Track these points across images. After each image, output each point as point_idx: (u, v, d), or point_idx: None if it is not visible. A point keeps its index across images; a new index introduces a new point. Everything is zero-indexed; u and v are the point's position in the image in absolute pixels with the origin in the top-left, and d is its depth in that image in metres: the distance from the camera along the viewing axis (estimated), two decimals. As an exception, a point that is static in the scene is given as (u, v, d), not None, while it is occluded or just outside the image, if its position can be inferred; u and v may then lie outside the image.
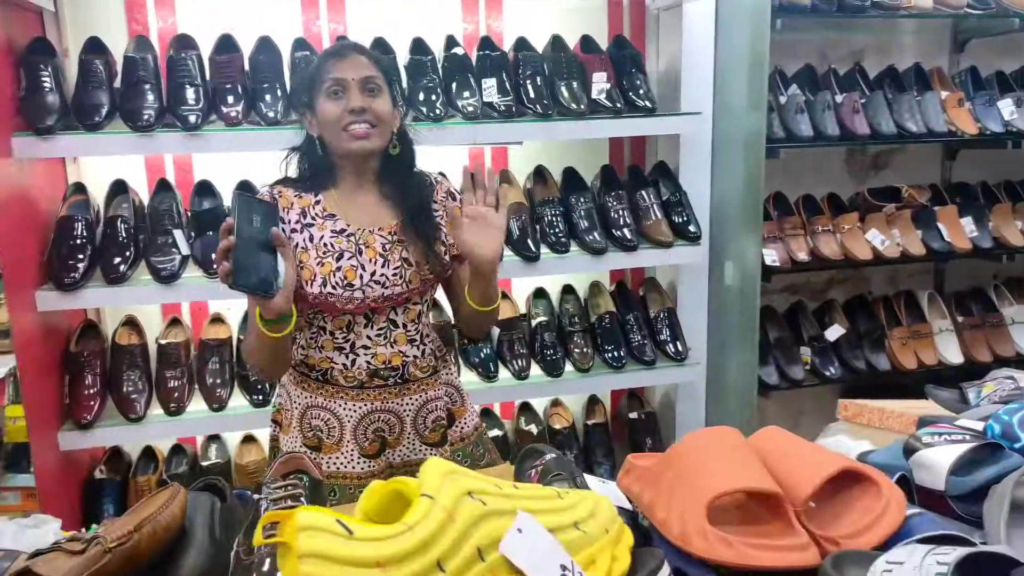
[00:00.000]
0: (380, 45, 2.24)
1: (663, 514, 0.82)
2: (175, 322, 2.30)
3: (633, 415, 2.66)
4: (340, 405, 1.49)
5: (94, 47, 2.08)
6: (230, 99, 2.08)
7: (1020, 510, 0.93)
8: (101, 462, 2.31)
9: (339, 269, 1.44)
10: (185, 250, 2.09)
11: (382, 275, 1.45)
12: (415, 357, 1.52)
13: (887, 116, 2.61)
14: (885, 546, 0.81)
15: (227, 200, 2.21)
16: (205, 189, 2.23)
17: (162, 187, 2.21)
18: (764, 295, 2.89)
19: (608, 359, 2.42)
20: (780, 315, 2.80)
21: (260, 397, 2.17)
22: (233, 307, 2.34)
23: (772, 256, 2.55)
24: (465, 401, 1.64)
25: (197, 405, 2.18)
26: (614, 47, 2.43)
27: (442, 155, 2.30)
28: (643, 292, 2.64)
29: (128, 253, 2.07)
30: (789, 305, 2.87)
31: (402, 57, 2.25)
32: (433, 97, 2.19)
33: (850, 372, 2.69)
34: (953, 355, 2.79)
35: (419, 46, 2.29)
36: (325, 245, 1.45)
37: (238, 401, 2.19)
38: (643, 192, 2.42)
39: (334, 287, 1.43)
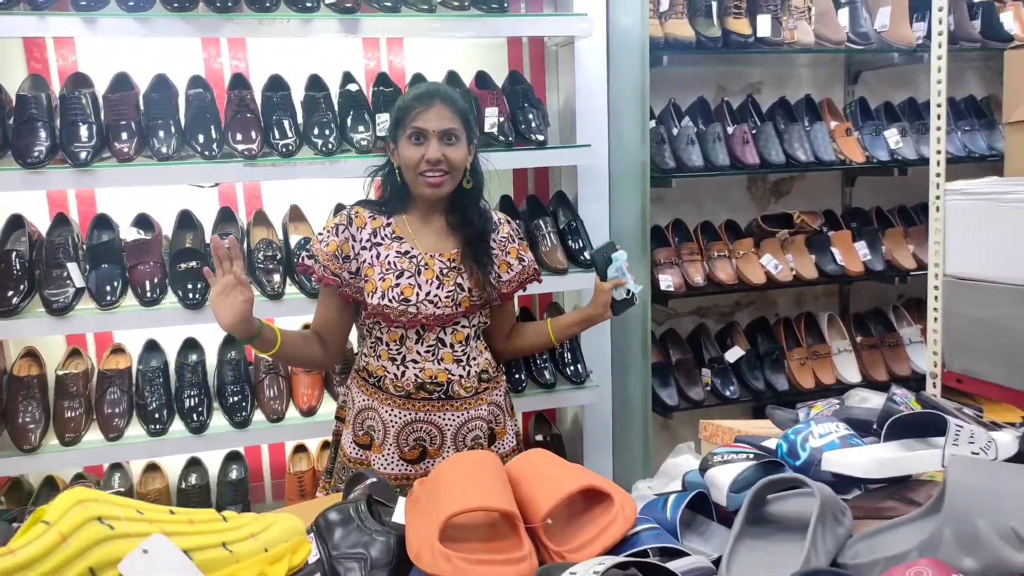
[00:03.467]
0: (275, 83, 2.32)
1: (411, 534, 0.89)
2: (76, 353, 2.34)
3: (539, 437, 2.72)
4: (387, 411, 1.68)
5: (-12, 87, 2.14)
6: (123, 135, 2.14)
7: (766, 523, 1.01)
8: (1, 492, 2.33)
9: (397, 285, 1.64)
10: (79, 283, 2.13)
11: (436, 295, 1.65)
12: (460, 377, 1.69)
13: (777, 146, 2.73)
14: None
15: (123, 232, 2.26)
16: (103, 222, 2.28)
17: (59, 221, 2.25)
18: (671, 319, 3.00)
19: (510, 383, 2.48)
20: (683, 338, 2.89)
21: (157, 427, 2.20)
22: (133, 338, 2.38)
23: (668, 281, 2.65)
24: (507, 422, 1.81)
25: (94, 434, 2.21)
26: (508, 82, 2.53)
27: (336, 187, 2.39)
28: (547, 317, 2.71)
29: (22, 286, 2.11)
30: (693, 328, 2.96)
31: (298, 93, 2.33)
32: (327, 132, 2.27)
33: (749, 392, 2.78)
34: (851, 375, 2.89)
35: (316, 82, 2.37)
36: (389, 263, 1.66)
37: (135, 431, 2.23)
38: (540, 220, 2.51)
39: (391, 300, 1.63)
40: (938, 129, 1.67)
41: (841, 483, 1.13)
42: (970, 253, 1.46)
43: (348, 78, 2.39)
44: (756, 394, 2.78)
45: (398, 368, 1.67)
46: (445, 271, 1.67)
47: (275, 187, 2.51)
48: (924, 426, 1.15)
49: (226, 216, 2.37)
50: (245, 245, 2.33)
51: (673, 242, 2.79)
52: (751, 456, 1.20)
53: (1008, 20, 2.87)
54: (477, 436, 1.72)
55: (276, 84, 2.31)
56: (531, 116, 2.45)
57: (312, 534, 1.01)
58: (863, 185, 3.15)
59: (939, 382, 1.60)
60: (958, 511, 0.82)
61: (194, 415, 2.22)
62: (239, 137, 2.20)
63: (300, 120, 2.28)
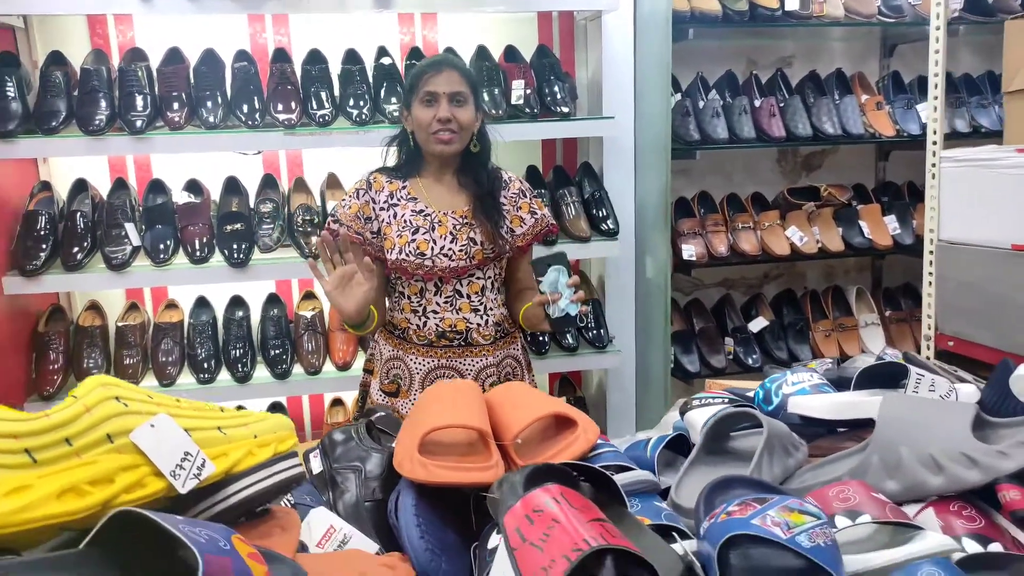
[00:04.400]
0: (314, 56, 2.45)
1: (397, 448, 1.01)
2: (134, 307, 2.54)
3: (562, 399, 2.82)
4: (413, 359, 1.81)
5: (55, 60, 2.33)
6: (175, 106, 2.31)
7: (725, 454, 1.10)
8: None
9: (413, 241, 1.76)
10: (136, 241, 2.33)
11: (449, 249, 1.77)
12: (478, 325, 1.81)
13: (804, 119, 2.74)
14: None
15: (176, 196, 2.45)
16: (157, 187, 2.47)
17: (119, 185, 2.45)
18: (698, 289, 3.06)
19: (532, 346, 2.59)
20: (707, 308, 2.95)
21: (206, 375, 2.39)
22: (185, 294, 2.57)
23: (690, 251, 2.71)
24: (525, 374, 1.93)
25: (149, 381, 2.42)
26: (536, 56, 2.61)
27: (371, 155, 2.52)
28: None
29: (85, 243, 2.31)
30: (718, 299, 3.01)
31: (336, 67, 2.46)
32: (361, 103, 2.40)
33: (772, 361, 2.83)
34: (876, 347, 2.90)
35: (352, 56, 2.50)
36: (405, 221, 1.78)
37: (186, 379, 2.42)
38: (565, 190, 2.59)
39: (408, 255, 1.76)
40: (935, 99, 1.68)
41: (810, 427, 1.21)
42: (963, 219, 1.49)
43: (382, 52, 2.52)
44: (778, 363, 2.83)
45: (420, 319, 1.80)
46: (458, 227, 1.79)
47: (314, 156, 2.66)
48: (893, 377, 1.21)
49: (269, 182, 2.54)
50: (286, 210, 2.49)
51: (699, 213, 2.84)
52: (727, 401, 1.28)
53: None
54: (495, 382, 1.84)
55: (315, 58, 2.45)
56: (557, 88, 2.53)
57: (319, 449, 1.15)
58: (897, 160, 3.13)
59: (932, 344, 1.64)
60: (885, 440, 0.90)
61: (239, 366, 2.40)
62: (280, 107, 2.34)
63: (337, 92, 2.42)
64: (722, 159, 3.00)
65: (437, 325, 1.79)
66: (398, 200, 1.82)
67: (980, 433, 0.88)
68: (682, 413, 1.32)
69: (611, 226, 2.57)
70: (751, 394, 1.39)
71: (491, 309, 1.84)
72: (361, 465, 1.08)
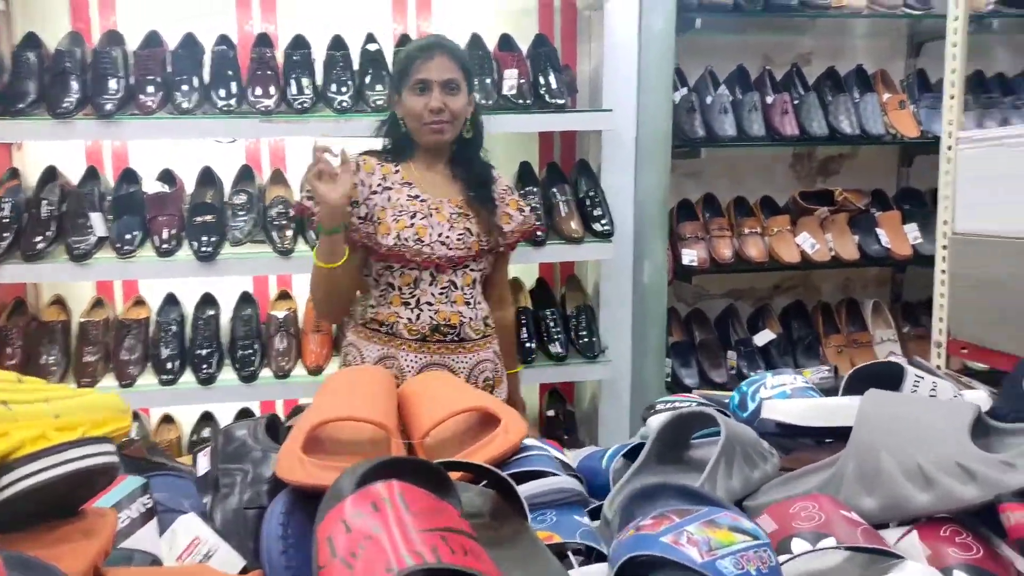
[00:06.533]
0: (298, 42, 2.34)
1: (285, 445, 0.86)
2: (100, 303, 2.43)
3: (551, 413, 2.65)
4: (403, 356, 1.69)
5: (29, 42, 2.24)
6: (149, 89, 2.21)
7: (682, 463, 0.93)
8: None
9: (412, 226, 1.66)
10: (101, 231, 2.21)
11: (447, 237, 1.69)
12: (471, 319, 1.72)
13: (820, 117, 2.56)
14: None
15: (147, 186, 2.34)
16: (130, 176, 2.36)
17: (91, 174, 2.35)
18: (701, 300, 2.87)
19: (518, 353, 2.42)
20: (710, 319, 2.76)
21: (169, 376, 2.26)
22: (155, 292, 2.45)
23: (691, 256, 2.53)
24: (503, 374, 1.85)
25: (109, 381, 2.29)
26: (533, 46, 2.47)
27: (357, 146, 2.40)
28: (564, 290, 2.65)
29: (48, 233, 2.20)
30: (723, 309, 2.82)
31: (321, 54, 2.34)
32: (344, 90, 2.27)
33: (779, 378, 2.62)
34: (895, 366, 2.68)
35: (337, 41, 2.38)
36: (401, 206, 1.68)
37: (148, 379, 2.29)
38: (556, 188, 2.44)
39: (406, 240, 1.66)
40: (952, 85, 1.50)
41: (789, 437, 1.03)
42: (981, 207, 1.31)
43: (369, 38, 2.40)
44: (787, 380, 2.62)
45: (412, 312, 1.69)
46: (455, 216, 1.71)
47: (297, 148, 2.54)
48: (890, 380, 1.03)
49: (246, 174, 2.42)
50: (261, 203, 2.37)
51: (703, 217, 2.67)
52: (695, 405, 1.11)
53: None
54: (488, 378, 1.77)
55: (298, 43, 2.34)
56: (553, 79, 2.38)
57: (209, 447, 1.00)
58: (922, 165, 2.92)
59: (944, 351, 1.44)
60: (863, 444, 0.72)
61: (204, 367, 2.27)
62: (258, 93, 2.23)
63: (320, 79, 2.30)
64: (732, 161, 2.82)
65: (431, 318, 1.69)
66: (392, 184, 1.72)
67: (982, 440, 0.70)
68: (644, 419, 1.15)
69: (605, 227, 2.40)
70: (728, 401, 1.22)
71: (479, 303, 1.77)
72: (250, 467, 0.92)
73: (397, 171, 1.73)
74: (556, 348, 2.43)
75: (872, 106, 2.60)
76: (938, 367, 1.38)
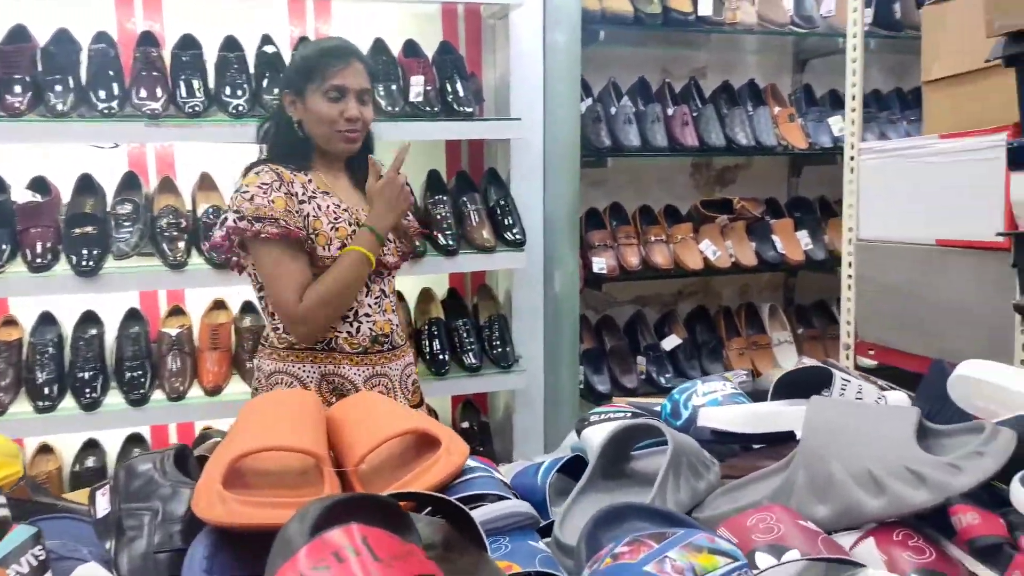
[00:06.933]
0: (187, 42, 2.19)
1: (201, 480, 0.77)
2: (-36, 323, 2.18)
3: (465, 424, 2.60)
4: (348, 369, 1.63)
5: None
6: (16, 89, 2.00)
7: (625, 477, 0.91)
8: None
9: (352, 234, 1.60)
10: (-39, 245, 1.99)
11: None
12: (396, 325, 1.71)
13: (718, 128, 2.66)
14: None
15: (16, 195, 2.12)
16: (-5, 184, 2.14)
17: (-51, 181, 2.11)
18: (610, 307, 2.91)
19: (431, 366, 2.37)
20: (619, 326, 2.80)
21: (46, 403, 2.06)
22: (28, 310, 2.23)
23: (601, 264, 2.55)
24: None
25: (-23, 409, 2.05)
26: (438, 52, 2.43)
27: (248, 153, 2.28)
28: (476, 299, 2.61)
29: (-102, 247, 1.96)
30: (631, 316, 2.87)
31: (212, 55, 2.21)
32: (239, 93, 2.15)
33: (685, 380, 2.68)
34: (790, 365, 2.81)
35: (231, 43, 2.25)
36: (334, 214, 1.60)
37: (21, 407, 2.07)
38: (467, 197, 2.40)
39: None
40: (853, 98, 1.59)
41: (722, 444, 1.04)
42: (883, 215, 1.38)
43: (266, 40, 2.28)
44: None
45: (352, 325, 1.63)
46: None
47: (188, 154, 2.38)
48: (815, 385, 1.05)
49: (131, 181, 2.24)
50: (149, 213, 2.20)
51: (610, 225, 2.70)
52: (630, 415, 1.10)
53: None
54: (414, 380, 1.77)
55: (188, 43, 2.19)
56: (460, 87, 2.35)
57: (108, 486, 0.90)
58: (809, 175, 3.09)
59: (852, 353, 1.51)
60: (813, 453, 0.72)
61: (87, 391, 2.07)
62: (143, 95, 2.07)
63: (212, 82, 2.16)
64: (636, 170, 2.88)
65: (371, 329, 1.65)
66: (313, 192, 1.62)
67: (923, 444, 0.72)
68: (578, 431, 1.12)
69: (517, 236, 2.38)
70: (658, 408, 1.22)
71: (395, 308, 1.74)
72: (159, 505, 0.83)
73: (310, 180, 1.64)
74: (470, 359, 2.39)
75: (764, 119, 2.72)
76: (848, 368, 1.44)
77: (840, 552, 0.63)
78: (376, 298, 1.66)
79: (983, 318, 1.20)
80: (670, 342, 2.73)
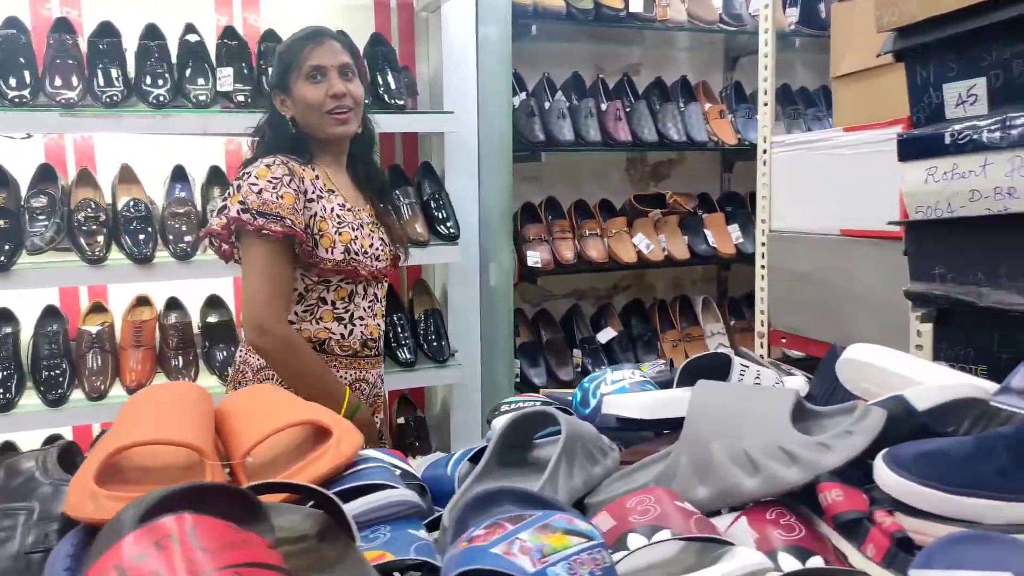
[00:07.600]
0: (105, 29, 2.12)
1: (76, 477, 0.75)
2: None
3: (401, 420, 2.59)
4: (336, 372, 1.58)
5: None
6: (-82, 77, 1.92)
7: (526, 465, 0.91)
8: None
9: (356, 239, 1.54)
10: None
11: (379, 249, 1.61)
12: (383, 331, 1.67)
13: (650, 124, 2.69)
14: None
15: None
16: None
17: None
18: (547, 300, 2.92)
19: (364, 361, 2.34)
20: (555, 319, 2.82)
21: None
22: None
23: (536, 258, 2.56)
24: None
25: None
26: (369, 45, 2.40)
27: (174, 145, 2.22)
28: (412, 295, 2.60)
29: None
30: (567, 309, 2.89)
31: (132, 44, 2.14)
32: (160, 83, 2.09)
33: (620, 374, 2.72)
34: (724, 357, 2.86)
35: (152, 31, 2.18)
36: (338, 216, 1.54)
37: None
38: (399, 191, 2.38)
39: (356, 253, 1.54)
40: (765, 93, 1.63)
41: (630, 430, 1.05)
42: (794, 206, 1.42)
43: (189, 28, 2.23)
44: (628, 376, 2.72)
45: (345, 327, 1.58)
46: (372, 225, 1.63)
47: (108, 145, 2.31)
48: (720, 371, 1.07)
49: (46, 174, 2.16)
50: (66, 206, 2.12)
51: (545, 220, 2.71)
52: (538, 404, 1.10)
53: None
54: (381, 385, 1.73)
55: (105, 30, 2.12)
56: (391, 80, 2.33)
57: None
58: (741, 171, 3.15)
59: (766, 341, 1.56)
60: (695, 436, 0.73)
61: (0, 391, 2.00)
62: (58, 84, 2.00)
63: (132, 71, 2.10)
64: (571, 166, 2.90)
65: (362, 332, 1.61)
66: (320, 191, 1.54)
67: (802, 425, 0.74)
68: (489, 421, 1.13)
69: (451, 229, 2.38)
70: (571, 398, 1.22)
71: (384, 315, 1.72)
72: (37, 504, 0.79)
73: (316, 176, 1.55)
74: (405, 354, 2.37)
75: (696, 115, 2.76)
76: (762, 356, 1.48)
77: (712, 531, 0.64)
78: (370, 302, 1.62)
79: (883, 305, 1.24)
80: (606, 335, 2.76)
